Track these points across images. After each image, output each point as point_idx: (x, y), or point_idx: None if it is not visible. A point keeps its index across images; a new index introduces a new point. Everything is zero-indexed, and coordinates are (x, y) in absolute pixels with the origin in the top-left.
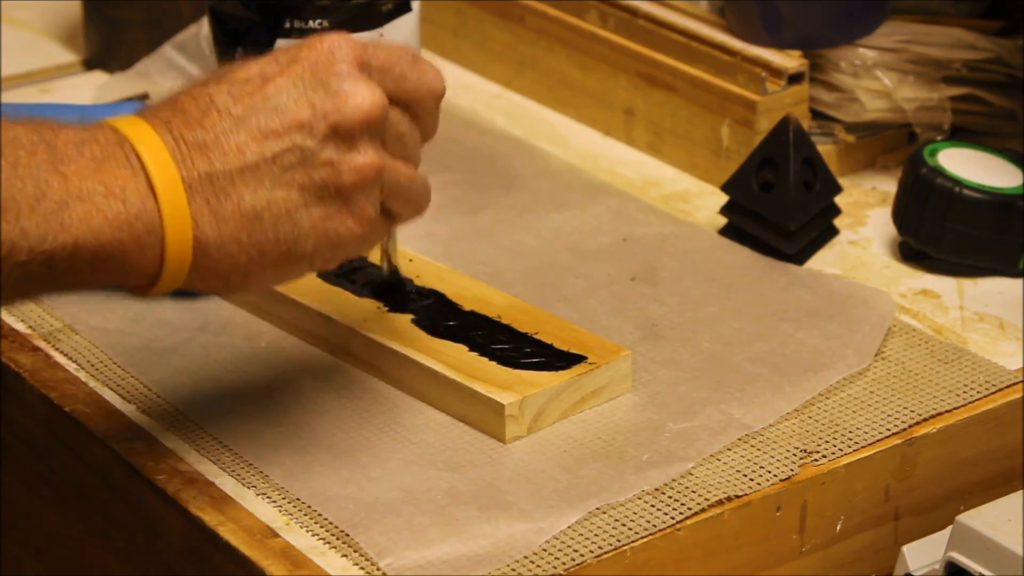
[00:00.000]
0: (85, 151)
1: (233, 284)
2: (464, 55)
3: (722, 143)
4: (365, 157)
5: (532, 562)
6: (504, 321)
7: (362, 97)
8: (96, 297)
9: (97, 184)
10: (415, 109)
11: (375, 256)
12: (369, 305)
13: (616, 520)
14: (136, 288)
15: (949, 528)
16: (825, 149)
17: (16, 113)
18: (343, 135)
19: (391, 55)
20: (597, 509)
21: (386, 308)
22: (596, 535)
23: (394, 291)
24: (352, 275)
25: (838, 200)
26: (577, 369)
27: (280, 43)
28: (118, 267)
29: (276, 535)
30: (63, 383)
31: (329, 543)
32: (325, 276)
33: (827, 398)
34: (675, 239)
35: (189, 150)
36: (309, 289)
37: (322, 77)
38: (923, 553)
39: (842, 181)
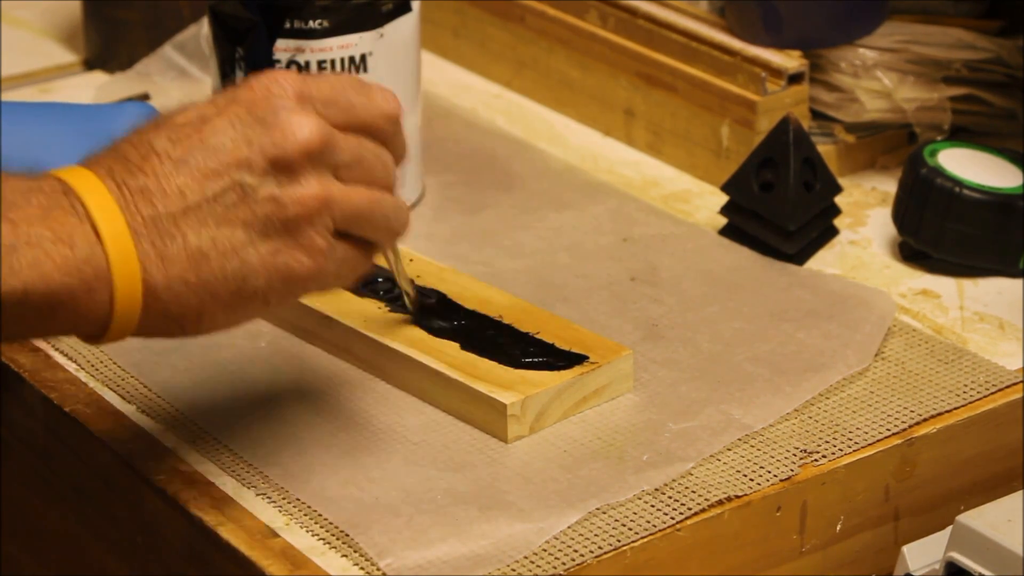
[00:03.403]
0: (32, 199)
1: (188, 327)
2: (464, 55)
3: (722, 143)
4: (307, 188)
5: (532, 562)
6: (505, 321)
7: (299, 128)
8: None
9: (45, 230)
10: (376, 134)
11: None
12: (370, 305)
13: (616, 520)
14: (88, 337)
15: (949, 528)
16: (825, 149)
17: (16, 112)
18: (283, 168)
19: (335, 85)
20: (597, 509)
21: (387, 308)
22: (596, 535)
23: (434, 312)
24: (383, 295)
25: (838, 200)
26: (579, 369)
27: (280, 43)
28: (68, 314)
29: (276, 535)
30: (63, 383)
31: (329, 543)
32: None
33: (827, 398)
34: (675, 239)
35: (132, 195)
36: None
37: (259, 114)
38: (923, 553)
39: (842, 181)
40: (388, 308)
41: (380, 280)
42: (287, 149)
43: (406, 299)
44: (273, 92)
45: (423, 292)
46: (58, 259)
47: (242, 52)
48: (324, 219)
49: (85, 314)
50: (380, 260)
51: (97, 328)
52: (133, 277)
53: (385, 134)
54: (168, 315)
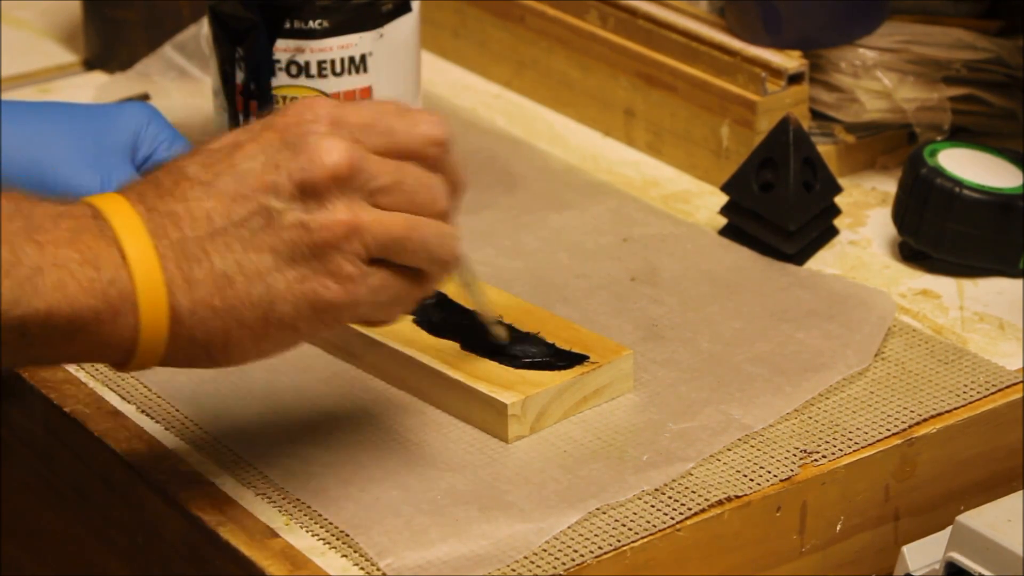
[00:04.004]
0: (61, 223)
1: (216, 355)
2: (464, 55)
3: (722, 143)
4: (335, 214)
5: (532, 562)
6: (506, 321)
7: (327, 152)
8: None
9: (72, 252)
10: (422, 159)
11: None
12: None
13: (616, 520)
14: (115, 363)
15: (949, 528)
16: (825, 149)
17: (15, 112)
18: (310, 192)
19: (374, 110)
20: (597, 509)
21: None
22: (596, 535)
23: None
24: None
25: (838, 200)
26: (579, 369)
27: (280, 43)
28: (93, 337)
29: (276, 535)
30: (63, 383)
31: (329, 543)
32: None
33: (827, 398)
34: (675, 239)
35: (162, 219)
36: None
37: (290, 139)
38: (923, 553)
39: (842, 181)
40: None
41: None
42: (314, 173)
43: (490, 334)
44: (306, 118)
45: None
46: (83, 281)
47: (242, 52)
48: (354, 245)
49: (110, 338)
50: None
51: (123, 353)
52: (159, 300)
53: (432, 159)
54: (194, 341)
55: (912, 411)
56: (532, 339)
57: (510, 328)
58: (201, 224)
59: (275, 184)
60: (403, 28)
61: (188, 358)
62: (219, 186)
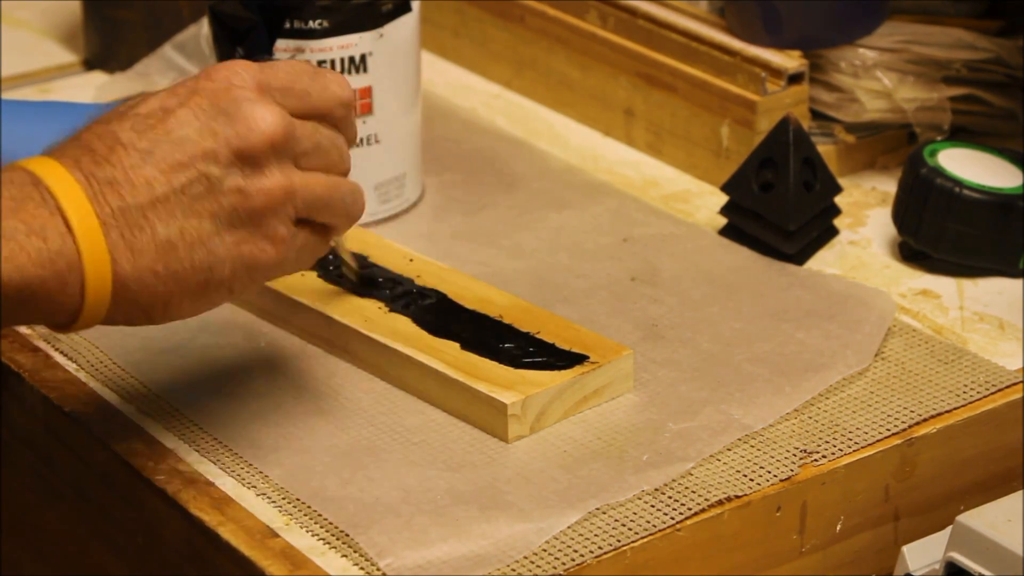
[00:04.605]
0: (3, 192)
1: (154, 316)
2: (464, 55)
3: (722, 143)
4: (272, 180)
5: (532, 562)
6: (506, 321)
7: (263, 120)
8: None
9: (18, 223)
10: (330, 120)
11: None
12: (370, 305)
13: (616, 520)
14: (57, 326)
15: (949, 528)
16: (825, 149)
17: (16, 111)
18: (248, 159)
19: (290, 73)
20: (597, 509)
21: (387, 308)
22: (596, 535)
23: (372, 284)
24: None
25: (838, 200)
26: (579, 369)
27: (280, 43)
28: (41, 304)
29: (276, 535)
30: (63, 383)
31: (329, 543)
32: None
33: (827, 398)
34: (675, 239)
35: (100, 187)
36: (309, 289)
37: (222, 105)
38: (923, 553)
39: (842, 181)
40: (388, 308)
41: (331, 257)
42: (252, 141)
43: (347, 271)
44: (234, 83)
45: (423, 291)
46: (32, 252)
47: (242, 52)
48: (287, 208)
49: (57, 305)
50: None
51: (67, 317)
52: (103, 268)
53: (338, 119)
54: (136, 304)
55: (912, 411)
56: (528, 339)
57: (362, 270)
58: (142, 192)
59: (214, 151)
60: (403, 28)
61: (127, 318)
62: (157, 153)
